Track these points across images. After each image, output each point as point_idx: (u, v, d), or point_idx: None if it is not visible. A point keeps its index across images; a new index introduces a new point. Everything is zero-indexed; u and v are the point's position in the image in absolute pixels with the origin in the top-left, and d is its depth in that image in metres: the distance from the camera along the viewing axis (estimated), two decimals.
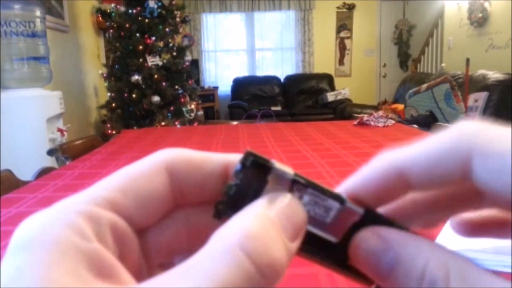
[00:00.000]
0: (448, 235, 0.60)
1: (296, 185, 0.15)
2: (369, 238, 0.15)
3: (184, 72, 3.80)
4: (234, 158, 0.16)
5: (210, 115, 5.39)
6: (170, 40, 3.80)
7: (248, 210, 0.14)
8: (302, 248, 0.15)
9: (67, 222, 0.12)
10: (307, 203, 0.15)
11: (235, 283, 0.12)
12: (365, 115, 1.89)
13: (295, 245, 0.14)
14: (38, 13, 2.41)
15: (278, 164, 0.15)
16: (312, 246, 0.16)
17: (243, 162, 0.15)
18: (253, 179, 0.15)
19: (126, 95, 3.59)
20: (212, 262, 0.12)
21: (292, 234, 0.14)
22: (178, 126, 3.41)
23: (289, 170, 0.16)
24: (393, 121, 1.87)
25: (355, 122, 1.86)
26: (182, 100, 3.72)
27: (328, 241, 0.16)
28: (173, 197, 0.16)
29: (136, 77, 3.50)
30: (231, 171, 0.16)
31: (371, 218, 0.16)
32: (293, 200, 0.15)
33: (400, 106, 4.26)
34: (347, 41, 6.38)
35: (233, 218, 0.13)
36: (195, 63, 5.36)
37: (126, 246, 0.14)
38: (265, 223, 0.13)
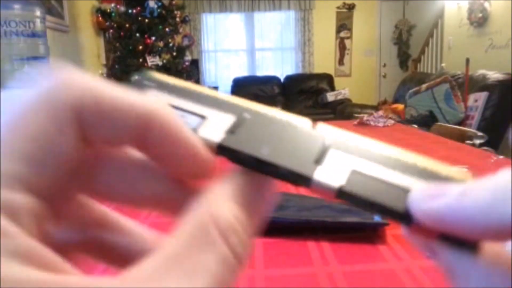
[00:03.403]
0: None
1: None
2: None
3: (184, 72, 3.80)
4: (155, 111, 0.13)
5: None
6: (170, 40, 3.80)
7: (219, 195, 0.13)
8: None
9: None
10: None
11: (224, 276, 0.11)
12: (365, 115, 1.89)
13: (259, 216, 0.14)
14: (38, 13, 2.41)
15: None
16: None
17: None
18: None
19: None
20: (198, 253, 0.11)
21: (255, 207, 0.13)
22: None
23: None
24: (393, 121, 1.87)
25: (355, 122, 1.86)
26: None
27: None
28: (81, 136, 0.12)
29: (136, 77, 3.50)
30: (152, 126, 0.13)
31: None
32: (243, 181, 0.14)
33: (400, 106, 4.26)
34: (347, 41, 6.38)
35: (201, 202, 0.13)
36: (195, 63, 5.36)
37: (44, 224, 0.12)
38: (234, 207, 0.13)
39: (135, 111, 0.12)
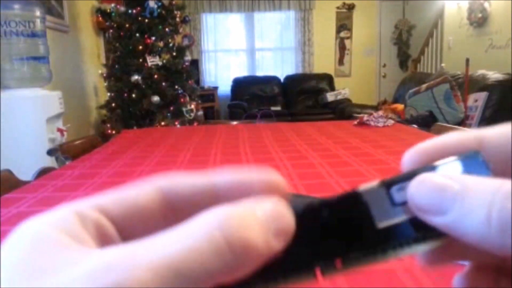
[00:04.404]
0: None
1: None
2: (433, 175, 0.15)
3: (184, 72, 3.80)
4: (220, 179, 0.17)
5: (210, 115, 5.39)
6: (170, 40, 3.80)
7: (238, 207, 0.14)
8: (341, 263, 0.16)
9: (57, 215, 0.15)
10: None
11: (203, 252, 0.13)
12: (365, 115, 1.89)
13: (276, 243, 0.14)
14: (38, 13, 2.41)
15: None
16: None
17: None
18: None
19: (126, 95, 3.59)
20: (185, 234, 0.13)
21: (275, 231, 0.14)
22: (178, 126, 3.41)
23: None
24: (393, 121, 1.87)
25: (355, 122, 1.86)
26: (182, 100, 3.72)
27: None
28: (163, 212, 0.17)
29: (136, 77, 3.50)
30: (218, 191, 0.17)
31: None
32: (280, 204, 0.15)
33: (400, 106, 4.26)
34: (347, 41, 6.38)
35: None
36: (195, 63, 5.36)
37: (109, 241, 0.16)
38: (247, 211, 0.14)
39: (205, 182, 0.17)
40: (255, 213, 0.14)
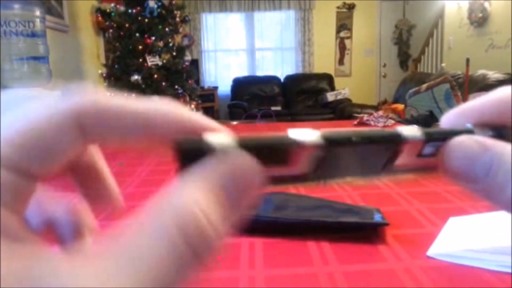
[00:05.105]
0: (448, 235, 0.60)
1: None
2: (465, 141, 0.16)
3: (184, 72, 3.80)
4: (157, 108, 0.15)
5: (210, 115, 5.36)
6: (170, 40, 3.80)
7: (188, 183, 0.13)
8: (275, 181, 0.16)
9: None
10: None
11: (170, 267, 0.12)
12: (365, 115, 1.89)
13: (239, 210, 0.14)
14: (37, 13, 2.41)
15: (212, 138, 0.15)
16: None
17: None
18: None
19: (126, 95, 3.59)
20: (148, 242, 0.12)
21: (236, 199, 0.14)
22: None
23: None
24: (393, 121, 1.87)
25: (355, 122, 1.86)
26: (182, 100, 3.72)
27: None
28: (84, 145, 0.14)
29: (136, 77, 3.51)
30: (153, 122, 0.15)
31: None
32: (237, 160, 0.14)
33: (400, 106, 4.26)
34: (347, 41, 6.38)
35: (171, 190, 0.13)
36: (195, 63, 5.36)
37: (25, 197, 0.13)
38: (204, 198, 0.13)
39: (139, 115, 0.15)
40: (205, 211, 0.13)
